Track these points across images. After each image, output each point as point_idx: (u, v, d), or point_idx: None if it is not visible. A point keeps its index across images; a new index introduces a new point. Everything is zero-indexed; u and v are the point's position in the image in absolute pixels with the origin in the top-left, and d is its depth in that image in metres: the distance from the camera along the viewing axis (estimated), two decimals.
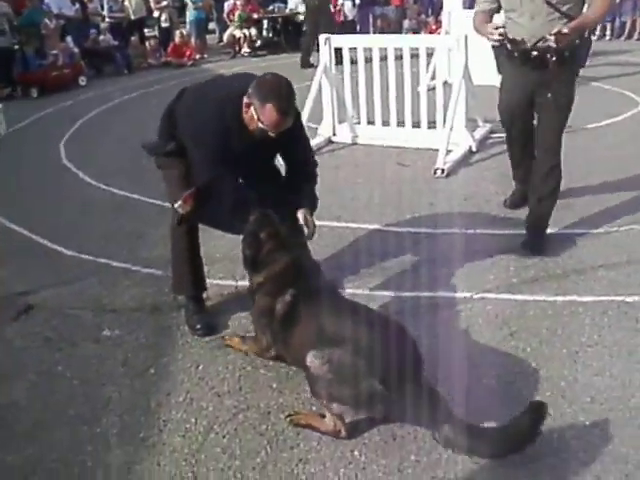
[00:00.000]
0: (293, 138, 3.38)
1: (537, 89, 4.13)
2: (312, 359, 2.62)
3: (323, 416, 2.72)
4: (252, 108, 3.07)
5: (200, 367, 3.24)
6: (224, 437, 2.76)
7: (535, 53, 3.99)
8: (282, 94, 3.06)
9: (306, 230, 3.37)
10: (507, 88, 4.40)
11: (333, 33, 7.50)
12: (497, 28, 4.02)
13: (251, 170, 3.36)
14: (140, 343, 3.48)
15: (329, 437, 2.70)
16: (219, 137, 3.18)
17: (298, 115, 3.43)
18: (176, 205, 3.34)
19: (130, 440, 2.77)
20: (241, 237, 3.12)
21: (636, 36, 14.27)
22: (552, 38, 3.77)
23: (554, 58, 3.94)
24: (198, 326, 3.55)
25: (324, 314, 2.74)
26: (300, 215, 3.36)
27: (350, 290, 3.82)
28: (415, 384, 2.56)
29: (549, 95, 4.08)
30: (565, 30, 3.75)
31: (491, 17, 4.27)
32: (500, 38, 4.05)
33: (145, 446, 2.74)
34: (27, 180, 6.47)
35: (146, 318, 3.71)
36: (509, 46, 4.12)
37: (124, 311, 3.80)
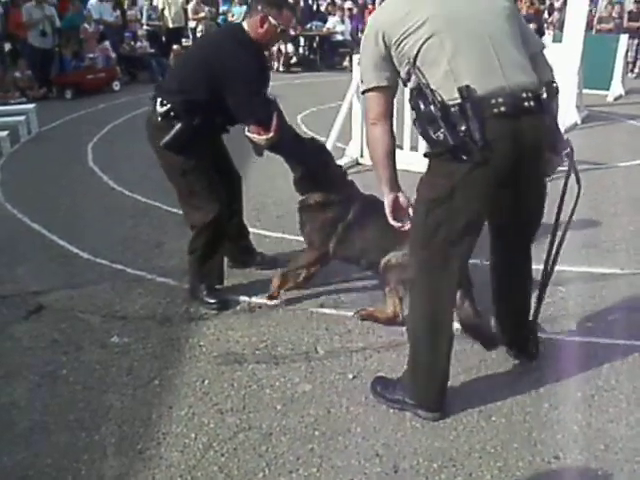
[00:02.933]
0: None
1: None
2: (389, 258, 3.53)
3: (382, 309, 3.62)
4: (269, 19, 3.54)
5: (205, 382, 3.19)
6: (223, 455, 2.70)
7: None
8: None
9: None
10: None
11: None
12: None
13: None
14: (147, 353, 3.43)
15: (329, 464, 2.64)
16: (257, 63, 3.62)
17: None
18: (269, 136, 3.53)
19: (127, 451, 2.72)
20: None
21: None
22: None
23: None
24: (212, 301, 3.83)
25: (381, 222, 3.17)
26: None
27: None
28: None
29: None
30: None
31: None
32: None
33: (141, 458, 2.68)
34: (52, 180, 6.50)
35: (156, 328, 3.67)
36: None
37: (134, 319, 3.76)
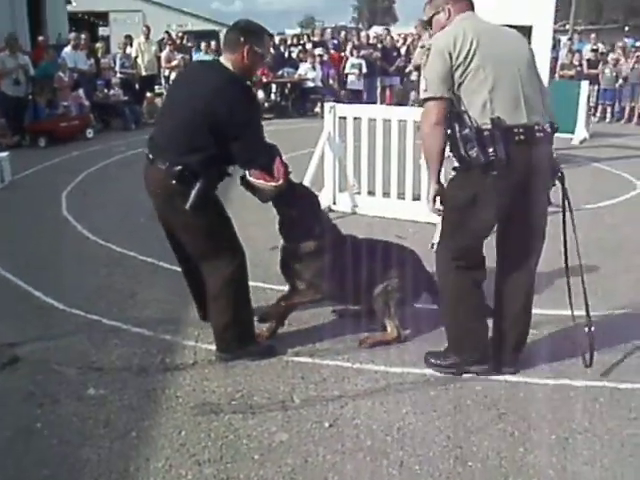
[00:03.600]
0: None
1: None
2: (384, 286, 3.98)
3: (385, 334, 4.02)
4: (254, 49, 3.57)
5: (182, 433, 3.18)
6: None
7: None
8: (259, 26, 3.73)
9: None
10: None
11: None
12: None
13: None
14: (124, 404, 3.42)
15: None
16: (256, 103, 3.94)
17: None
18: (278, 183, 3.67)
19: None
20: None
21: (635, 120, 14.62)
22: None
23: None
24: (261, 350, 3.89)
25: (369, 257, 4.01)
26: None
27: (335, 362, 3.83)
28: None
29: None
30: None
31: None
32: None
33: None
34: (26, 229, 6.48)
35: (132, 379, 3.66)
36: None
37: (110, 370, 3.75)
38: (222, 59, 3.67)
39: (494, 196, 3.29)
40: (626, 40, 17.28)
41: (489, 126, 3.20)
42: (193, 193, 3.46)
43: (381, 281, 4.00)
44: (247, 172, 3.68)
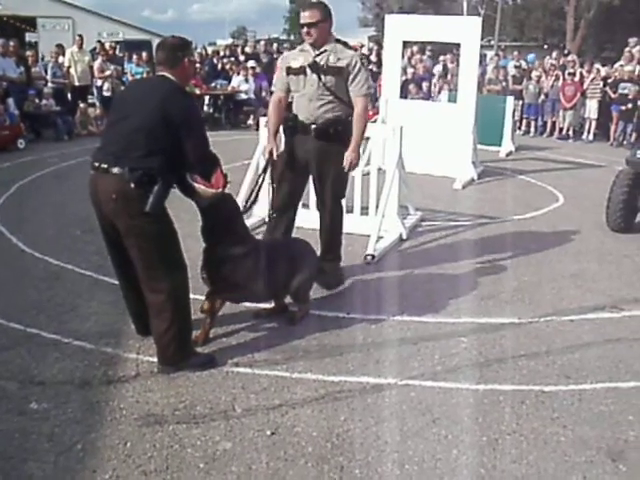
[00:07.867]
0: None
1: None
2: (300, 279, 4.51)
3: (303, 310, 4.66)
4: (190, 59, 3.93)
5: (128, 444, 3.23)
6: None
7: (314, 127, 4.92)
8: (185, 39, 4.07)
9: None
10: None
11: None
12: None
13: None
14: (68, 417, 3.43)
15: None
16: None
17: None
18: (219, 190, 3.90)
19: None
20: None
21: (556, 135, 15.27)
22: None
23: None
24: (203, 362, 3.97)
25: (284, 256, 4.52)
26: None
27: (274, 372, 3.92)
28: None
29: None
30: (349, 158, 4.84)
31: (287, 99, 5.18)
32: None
33: None
34: None
35: (75, 392, 3.67)
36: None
37: (52, 384, 3.74)
38: (164, 74, 3.82)
39: None
40: (530, 56, 18.18)
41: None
42: (152, 197, 3.56)
43: (297, 275, 4.49)
44: (189, 177, 3.82)
